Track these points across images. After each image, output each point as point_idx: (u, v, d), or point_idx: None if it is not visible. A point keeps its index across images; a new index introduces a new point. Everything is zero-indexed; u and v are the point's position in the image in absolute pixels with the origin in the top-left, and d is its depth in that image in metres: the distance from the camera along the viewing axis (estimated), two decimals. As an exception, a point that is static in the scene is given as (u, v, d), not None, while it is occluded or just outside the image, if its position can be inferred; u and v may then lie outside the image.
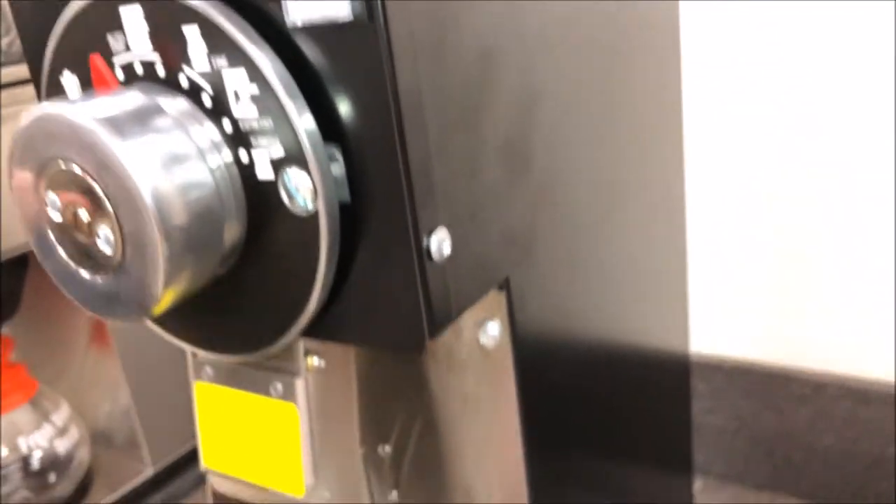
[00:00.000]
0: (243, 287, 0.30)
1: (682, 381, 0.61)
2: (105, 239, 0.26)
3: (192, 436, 0.38)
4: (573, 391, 0.41)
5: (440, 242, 0.27)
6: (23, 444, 0.84)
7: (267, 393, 0.33)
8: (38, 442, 0.85)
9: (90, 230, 0.26)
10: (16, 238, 0.73)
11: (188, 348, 0.33)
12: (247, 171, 0.27)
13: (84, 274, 0.27)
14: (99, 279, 0.27)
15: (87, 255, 0.27)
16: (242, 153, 0.27)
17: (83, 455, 0.89)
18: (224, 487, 0.36)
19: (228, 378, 0.34)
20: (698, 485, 0.79)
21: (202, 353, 0.33)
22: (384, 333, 0.29)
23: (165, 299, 0.27)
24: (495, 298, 0.33)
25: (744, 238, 0.75)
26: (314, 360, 0.32)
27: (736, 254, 0.76)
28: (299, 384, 0.32)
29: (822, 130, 0.66)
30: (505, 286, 0.33)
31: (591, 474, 0.44)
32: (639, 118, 0.45)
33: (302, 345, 0.31)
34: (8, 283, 0.79)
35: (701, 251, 0.76)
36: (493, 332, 0.34)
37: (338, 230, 0.27)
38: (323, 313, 0.29)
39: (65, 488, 0.87)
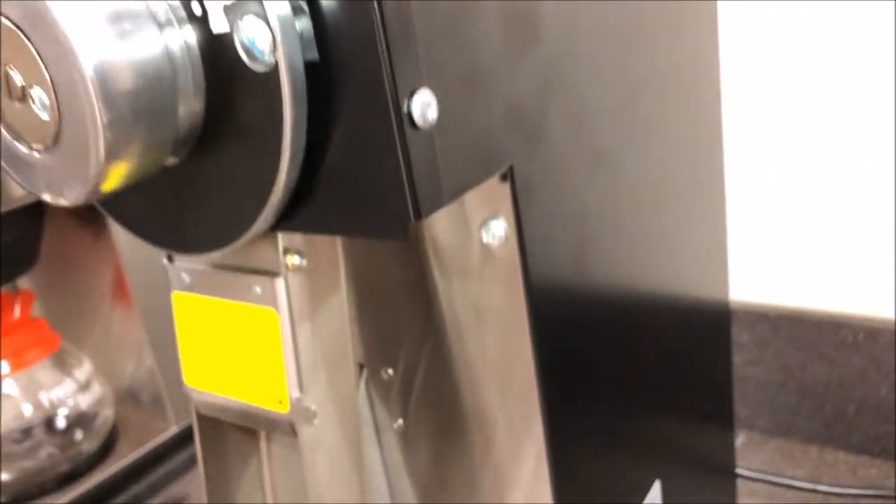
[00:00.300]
0: (208, 174, 0.27)
1: (720, 329, 0.57)
2: (40, 103, 0.23)
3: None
4: (593, 323, 0.37)
5: (424, 106, 0.24)
6: (44, 399, 0.83)
7: (246, 298, 0.29)
8: (59, 397, 0.84)
9: (24, 94, 0.23)
10: (17, 190, 0.71)
11: (159, 250, 0.30)
12: (202, 29, 0.24)
13: (22, 148, 0.24)
14: (37, 153, 0.24)
15: (25, 125, 0.24)
16: (195, 6, 0.24)
17: (108, 412, 0.88)
18: (208, 408, 0.33)
19: (206, 285, 0.31)
20: (740, 440, 0.75)
21: (175, 256, 0.30)
22: (364, 218, 0.25)
23: (111, 176, 0.24)
24: (499, 192, 0.29)
25: (790, 178, 0.70)
26: (294, 259, 0.28)
27: (781, 195, 0.71)
28: (278, 285, 0.28)
29: (875, 59, 0.61)
30: (509, 175, 0.29)
31: (615, 416, 0.40)
32: (673, 26, 0.41)
33: (280, 241, 0.28)
34: (23, 233, 0.78)
35: (743, 191, 0.71)
36: (497, 230, 0.30)
37: (303, 90, 0.24)
38: (297, 202, 0.26)
39: (90, 445, 0.86)
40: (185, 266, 0.31)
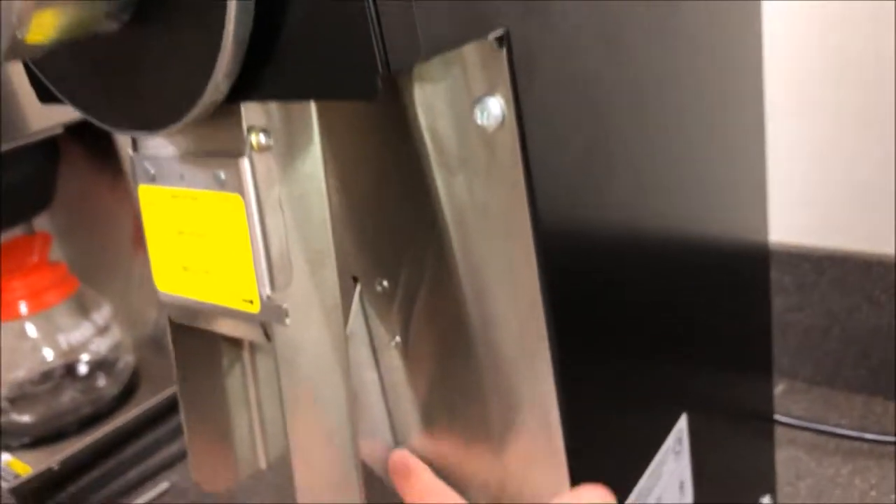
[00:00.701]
0: (154, 41, 0.23)
1: (758, 270, 0.52)
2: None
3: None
4: (609, 235, 0.34)
5: (394, -61, 0.20)
6: (63, 341, 0.82)
7: (210, 185, 0.26)
8: (78, 340, 0.83)
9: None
10: (42, 120, 0.69)
11: (116, 132, 0.27)
12: None
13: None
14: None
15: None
16: None
17: (128, 357, 0.87)
18: (181, 314, 0.30)
19: (171, 175, 0.28)
20: (782, 388, 0.70)
21: (138, 144, 0.27)
22: (328, 77, 0.22)
23: (36, 24, 0.20)
24: (494, 61, 0.26)
25: (836, 108, 0.64)
26: (259, 138, 0.25)
27: (826, 126, 0.66)
28: (243, 167, 0.25)
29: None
30: (505, 42, 0.25)
31: (634, 344, 0.37)
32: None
33: (244, 118, 0.25)
34: (35, 170, 0.76)
35: (785, 122, 0.66)
36: (493, 108, 0.26)
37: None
38: (255, 68, 0.23)
39: (111, 389, 0.85)
40: (149, 155, 0.28)
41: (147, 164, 0.28)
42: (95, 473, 0.77)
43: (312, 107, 0.26)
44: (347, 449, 0.29)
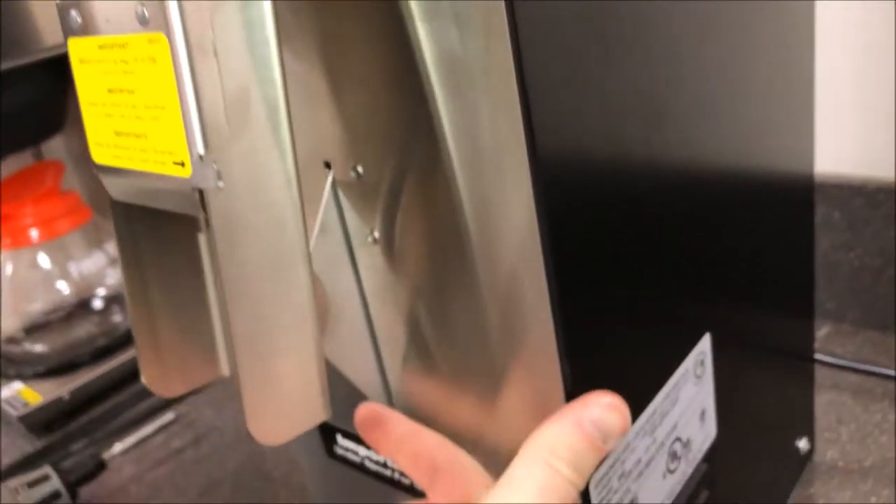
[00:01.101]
0: None
1: (801, 201, 0.47)
2: None
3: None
4: (618, 129, 0.29)
5: None
6: (74, 270, 0.80)
7: (136, 28, 0.22)
8: (90, 269, 0.81)
9: None
10: (47, 37, 0.66)
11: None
12: None
13: None
14: None
15: None
16: None
17: (144, 290, 0.84)
18: (118, 191, 0.26)
19: (95, 20, 0.24)
20: (825, 331, 0.65)
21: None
22: None
23: None
24: None
25: (890, 35, 0.58)
26: (187, -40, 0.21)
27: (879, 44, 0.59)
28: (166, -2, 0.21)
29: None
30: None
31: (647, 259, 0.32)
32: None
33: (167, -64, 0.21)
34: (43, 91, 0.73)
35: (833, 39, 0.60)
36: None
37: None
38: None
39: (126, 323, 0.83)
40: (75, 2, 0.24)
41: (74, 12, 0.24)
42: (107, 405, 0.76)
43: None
44: (309, 351, 0.26)
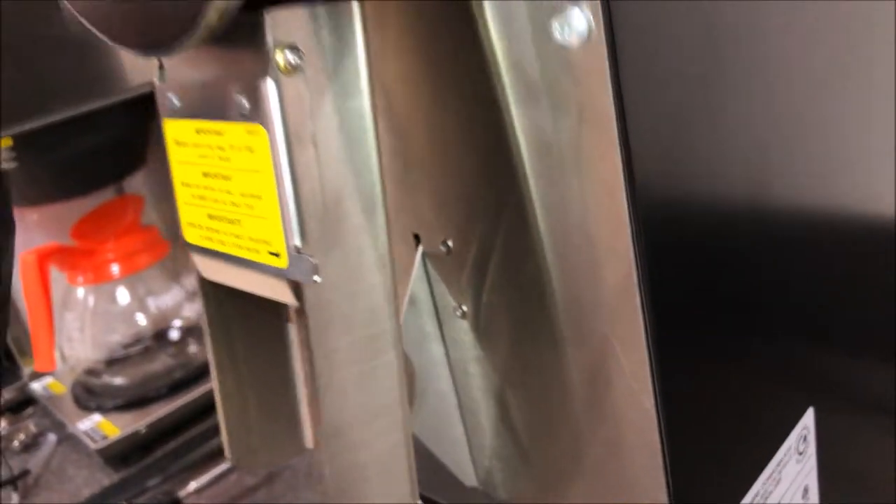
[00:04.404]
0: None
1: (887, 245, 0.44)
2: None
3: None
4: (719, 195, 0.28)
5: None
6: (152, 304, 0.81)
7: (234, 116, 0.22)
8: (167, 304, 0.82)
9: None
10: (135, 76, 0.68)
11: (131, 52, 0.23)
12: None
13: None
14: None
15: None
16: None
17: (218, 323, 0.85)
18: (209, 271, 0.26)
19: (193, 105, 0.24)
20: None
21: (168, 65, 0.23)
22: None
23: None
24: (579, -39, 0.20)
25: None
26: (287, 55, 0.21)
27: None
28: (265, 91, 0.21)
29: None
30: (592, -69, 0.20)
31: (747, 329, 0.31)
32: None
33: (267, 30, 0.20)
34: (129, 129, 0.75)
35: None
36: (576, 22, 0.21)
37: None
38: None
39: (201, 356, 0.84)
40: (174, 85, 0.24)
41: (171, 95, 0.24)
42: (181, 439, 0.76)
43: (356, 21, 0.22)
44: (397, 432, 0.25)
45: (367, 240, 0.23)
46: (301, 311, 0.23)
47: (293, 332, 0.29)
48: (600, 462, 0.28)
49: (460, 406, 0.32)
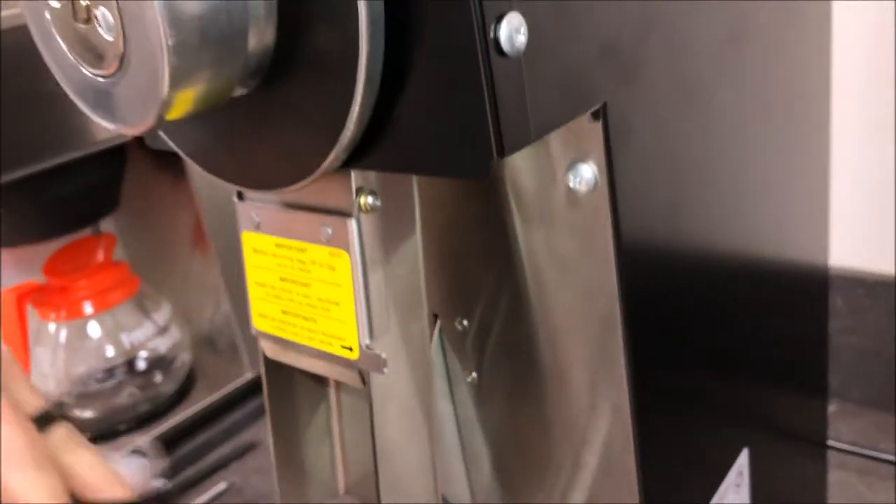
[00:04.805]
0: (279, 106, 0.25)
1: (817, 294, 0.53)
2: (104, 22, 0.22)
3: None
4: (685, 280, 0.35)
5: (512, 31, 0.21)
6: (125, 340, 0.85)
7: (317, 239, 0.28)
8: (139, 339, 0.85)
9: (88, 15, 0.22)
10: (101, 131, 0.72)
11: (227, 185, 0.28)
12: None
13: (85, 70, 0.23)
14: (101, 76, 0.23)
15: (89, 47, 0.23)
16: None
17: (185, 356, 0.89)
18: (276, 353, 0.32)
19: (276, 225, 0.29)
20: (832, 409, 0.71)
21: (245, 194, 0.29)
22: (443, 155, 0.23)
23: (177, 103, 0.22)
24: (589, 132, 0.27)
25: (890, 140, 0.65)
26: (368, 199, 0.27)
27: (882, 155, 0.66)
28: (351, 226, 0.27)
29: None
30: (601, 114, 0.26)
31: (702, 379, 0.38)
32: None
33: (353, 180, 0.26)
34: (106, 175, 0.78)
35: (842, 149, 0.66)
36: (586, 174, 0.28)
37: (381, 16, 0.22)
38: (372, 138, 0.24)
39: (168, 387, 0.88)
40: (256, 205, 0.30)
41: (253, 213, 0.30)
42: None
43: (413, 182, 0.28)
44: (430, 485, 0.31)
45: (413, 337, 0.29)
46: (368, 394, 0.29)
47: (332, 395, 0.34)
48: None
49: (464, 454, 0.38)
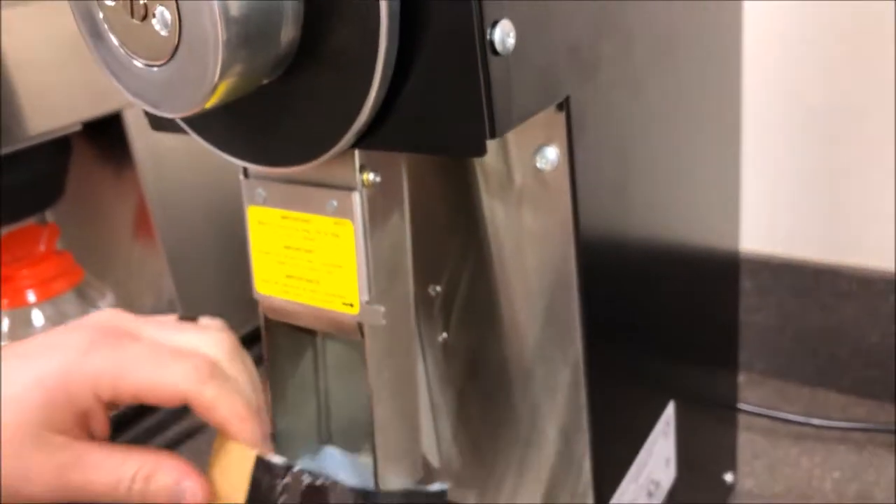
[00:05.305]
0: (298, 94, 0.29)
1: (731, 275, 0.60)
2: (161, 19, 0.25)
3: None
4: (630, 256, 0.41)
5: (504, 35, 0.26)
6: (70, 327, 0.85)
7: (322, 211, 0.32)
8: (84, 326, 0.86)
9: (146, 13, 0.26)
10: (56, 119, 0.73)
11: (239, 163, 0.32)
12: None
13: (137, 63, 0.27)
14: (153, 67, 0.27)
15: (142, 41, 0.26)
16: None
17: (128, 343, 0.91)
18: (275, 313, 0.36)
19: (282, 199, 0.33)
20: (740, 379, 0.78)
21: (254, 168, 0.33)
22: (443, 137, 0.28)
23: (217, 92, 0.26)
24: (554, 120, 0.32)
25: (792, 129, 0.73)
26: (370, 175, 0.31)
27: (784, 151, 0.74)
28: (355, 198, 0.31)
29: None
30: (565, 105, 0.32)
31: (641, 340, 0.44)
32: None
33: (357, 158, 0.31)
34: (50, 167, 0.80)
35: (751, 147, 0.74)
36: (551, 156, 0.33)
37: (397, 18, 0.26)
38: (378, 121, 0.29)
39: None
40: (262, 182, 0.34)
41: (259, 189, 0.34)
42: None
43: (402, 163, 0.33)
44: (415, 422, 0.36)
45: (400, 294, 0.34)
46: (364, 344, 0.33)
47: (319, 350, 0.39)
48: (537, 440, 0.40)
49: (432, 407, 0.43)
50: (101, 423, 0.32)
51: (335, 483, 0.30)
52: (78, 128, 0.74)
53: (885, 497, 0.63)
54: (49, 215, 0.92)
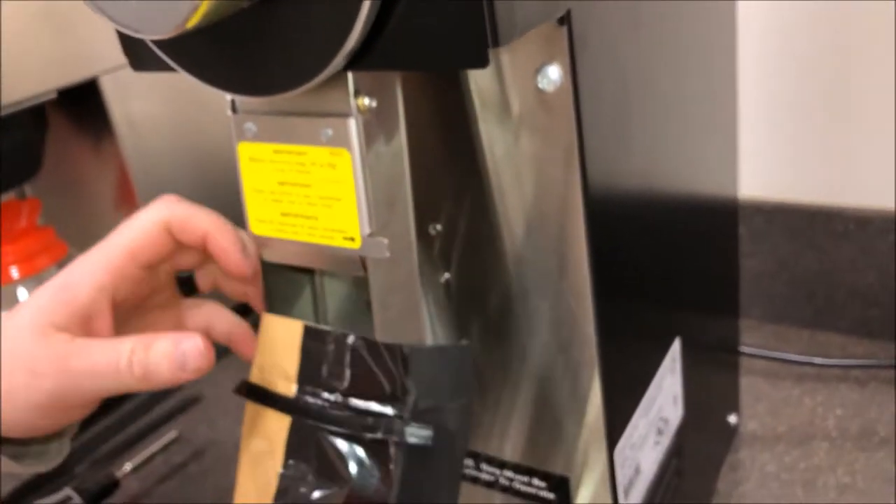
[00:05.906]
0: (283, 17, 0.28)
1: (731, 220, 0.60)
2: (140, -68, 0.24)
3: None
4: (633, 184, 0.40)
5: (504, -61, 0.25)
6: (57, 303, 0.84)
7: (316, 141, 0.31)
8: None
9: (124, -76, 0.24)
10: (29, 87, 0.71)
11: (227, 95, 0.31)
12: None
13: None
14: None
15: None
16: None
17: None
18: (273, 255, 0.35)
19: (274, 132, 0.32)
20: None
21: (242, 101, 0.31)
22: (444, 49, 0.27)
23: (200, 10, 0.25)
24: (555, 36, 0.31)
25: (785, 71, 0.72)
26: (365, 100, 0.30)
27: (779, 94, 0.73)
28: (351, 125, 0.30)
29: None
30: (566, 20, 0.30)
31: (647, 273, 0.43)
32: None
33: (351, 82, 0.30)
34: (26, 137, 0.78)
35: (746, 91, 0.73)
36: (553, 75, 0.32)
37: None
38: (371, 39, 0.27)
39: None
40: (251, 116, 0.32)
41: (249, 124, 0.32)
42: (97, 428, 0.80)
43: (398, 83, 0.31)
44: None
45: (401, 227, 0.33)
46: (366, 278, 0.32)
47: (318, 287, 0.38)
48: (548, 379, 0.39)
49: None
50: (105, 323, 0.33)
51: (374, 342, 0.32)
52: (53, 95, 0.72)
53: (887, 432, 0.63)
54: (28, 190, 0.90)
